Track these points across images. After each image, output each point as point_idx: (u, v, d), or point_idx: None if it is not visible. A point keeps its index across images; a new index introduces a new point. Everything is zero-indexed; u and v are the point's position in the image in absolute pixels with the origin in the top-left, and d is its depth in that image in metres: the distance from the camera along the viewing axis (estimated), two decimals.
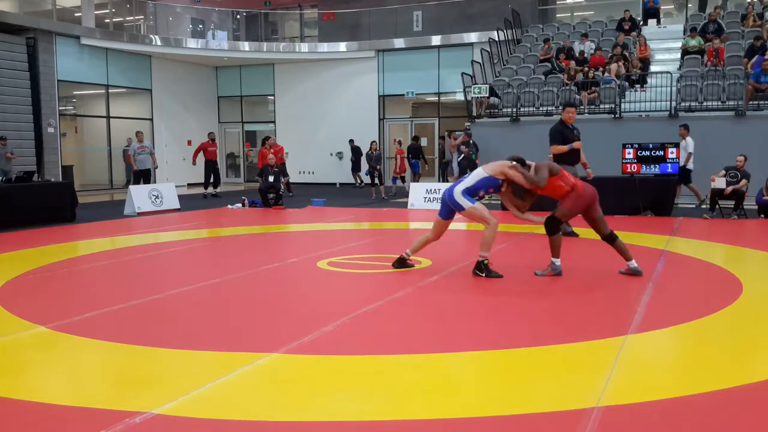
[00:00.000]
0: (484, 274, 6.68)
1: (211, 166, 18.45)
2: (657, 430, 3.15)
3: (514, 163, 6.74)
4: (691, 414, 3.34)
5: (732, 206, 11.93)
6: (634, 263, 6.80)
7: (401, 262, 7.14)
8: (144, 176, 16.55)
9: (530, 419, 3.26)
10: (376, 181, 18.35)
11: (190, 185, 23.65)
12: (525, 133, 16.83)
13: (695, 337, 4.76)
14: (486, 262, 6.72)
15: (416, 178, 19.31)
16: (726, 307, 5.47)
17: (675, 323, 4.97)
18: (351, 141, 21.90)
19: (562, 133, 9.49)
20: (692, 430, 3.18)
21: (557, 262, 6.82)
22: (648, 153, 12.79)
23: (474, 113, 17.94)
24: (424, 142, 20.87)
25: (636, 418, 3.26)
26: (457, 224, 10.40)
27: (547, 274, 6.82)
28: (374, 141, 20.03)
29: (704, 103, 15.84)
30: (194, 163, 18.82)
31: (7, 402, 3.54)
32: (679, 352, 4.61)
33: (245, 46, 24.38)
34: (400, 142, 19.39)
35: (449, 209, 6.84)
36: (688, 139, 13.55)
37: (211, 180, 18.42)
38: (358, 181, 22.05)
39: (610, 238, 6.83)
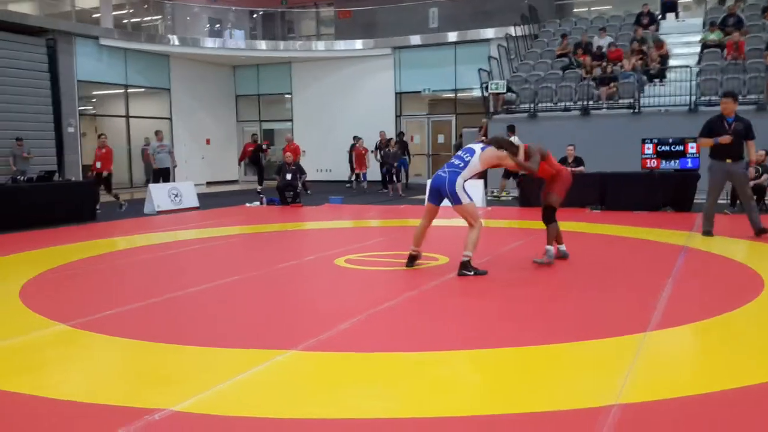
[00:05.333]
0: (471, 273, 6.63)
1: (256, 162, 19.52)
2: (677, 427, 3.12)
3: (505, 151, 6.87)
4: (711, 411, 3.31)
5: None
6: (551, 249, 7.24)
7: (412, 260, 7.09)
8: (163, 175, 16.68)
9: (549, 416, 3.25)
10: (393, 178, 18.42)
11: (209, 184, 23.80)
12: (542, 128, 16.72)
13: (716, 334, 4.71)
14: (470, 260, 6.69)
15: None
16: (747, 303, 5.41)
17: (695, 320, 4.93)
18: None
19: (710, 125, 9.07)
20: (712, 428, 3.15)
21: (551, 249, 7.18)
22: (668, 148, 12.67)
23: (491, 109, 17.87)
24: (417, 139, 21.02)
25: (656, 415, 3.23)
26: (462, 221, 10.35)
27: (545, 261, 7.08)
28: (391, 138, 20.05)
29: None
30: (239, 164, 20.23)
31: (29, 399, 3.58)
32: (699, 349, 4.57)
33: (262, 44, 24.46)
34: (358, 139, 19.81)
35: (441, 196, 6.80)
36: (514, 138, 14.15)
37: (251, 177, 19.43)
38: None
39: (546, 219, 7.27)
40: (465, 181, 6.71)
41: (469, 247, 6.69)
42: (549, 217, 7.19)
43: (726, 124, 8.91)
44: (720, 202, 13.09)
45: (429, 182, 7.06)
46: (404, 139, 20.50)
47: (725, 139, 8.79)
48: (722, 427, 3.16)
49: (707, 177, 9.23)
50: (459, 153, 6.96)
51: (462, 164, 6.74)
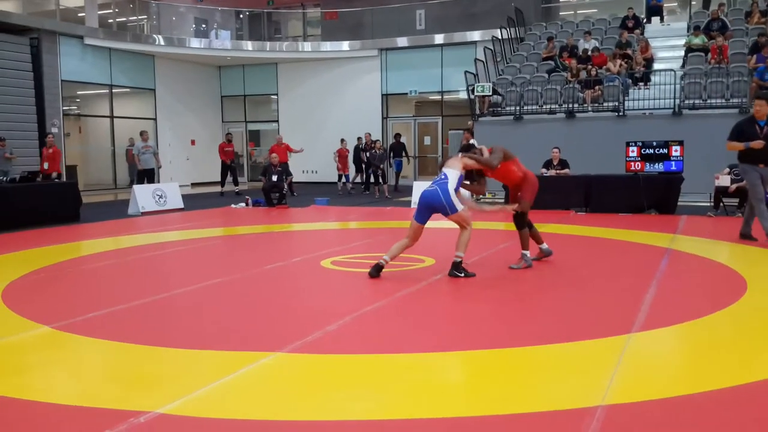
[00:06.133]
0: (462, 275, 6.66)
1: (226, 165, 18.99)
2: (661, 428, 3.15)
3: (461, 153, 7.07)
4: (696, 412, 3.34)
5: (736, 204, 11.90)
6: (527, 254, 7.26)
7: (378, 269, 6.76)
8: (148, 176, 16.61)
9: (535, 418, 3.26)
10: (380, 180, 18.46)
11: (194, 185, 23.70)
12: (528, 131, 16.82)
13: (699, 336, 4.75)
14: (461, 262, 6.71)
15: (397, 176, 20.38)
16: (730, 305, 5.46)
17: (679, 321, 4.97)
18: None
19: (741, 128, 8.53)
20: (696, 429, 3.17)
21: (528, 253, 7.23)
22: (652, 151, 12.77)
23: (477, 111, 17.92)
24: (403, 141, 21.11)
25: (640, 417, 3.26)
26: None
27: (522, 266, 7.12)
28: (378, 140, 20.06)
29: (708, 101, 15.79)
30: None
31: (12, 402, 3.55)
32: (683, 350, 4.60)
33: (248, 45, 24.39)
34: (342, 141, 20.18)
35: (430, 213, 6.74)
36: (472, 140, 15.63)
37: (229, 178, 18.97)
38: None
39: (518, 225, 7.32)
40: (455, 189, 6.69)
41: (461, 248, 6.73)
42: (520, 223, 7.26)
43: (758, 127, 8.44)
44: (703, 204, 13.26)
45: (417, 199, 6.95)
46: (401, 140, 20.54)
47: (758, 144, 8.33)
48: (707, 428, 3.19)
49: (744, 181, 8.81)
50: (437, 177, 6.92)
51: (445, 177, 6.74)
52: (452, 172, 6.75)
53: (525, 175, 7.27)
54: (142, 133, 17.44)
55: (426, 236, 9.66)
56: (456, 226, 6.86)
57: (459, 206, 6.64)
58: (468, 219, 6.76)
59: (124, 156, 22.54)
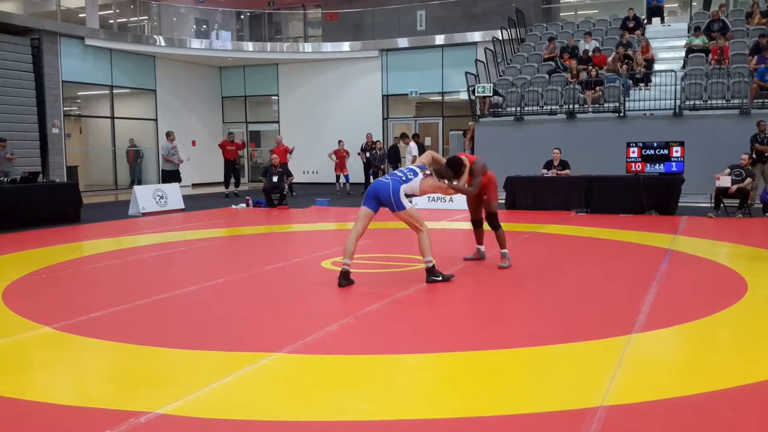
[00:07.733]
0: (440, 278, 6.47)
1: (229, 165, 18.80)
2: (662, 429, 3.14)
3: (446, 181, 6.84)
4: (696, 413, 3.34)
5: (737, 205, 11.90)
6: (506, 252, 7.41)
7: (346, 276, 6.47)
8: (174, 175, 16.71)
9: (535, 419, 3.26)
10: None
11: (194, 185, 23.70)
12: (528, 131, 16.82)
13: (700, 337, 4.75)
14: (434, 265, 6.51)
15: None
16: (731, 306, 5.45)
17: (680, 322, 4.97)
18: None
19: None
20: (697, 429, 3.17)
21: (506, 252, 7.38)
22: (652, 152, 12.78)
23: (478, 112, 17.92)
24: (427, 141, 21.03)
25: (641, 417, 3.25)
26: (456, 224, 10.40)
27: (509, 265, 7.23)
28: (378, 141, 20.06)
29: (709, 102, 15.79)
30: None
31: (13, 402, 3.55)
32: (683, 351, 4.60)
33: (249, 46, 24.39)
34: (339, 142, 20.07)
35: (377, 203, 6.52)
36: (411, 144, 17.42)
37: (232, 179, 18.85)
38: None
39: (493, 225, 7.40)
40: (405, 194, 6.46)
41: (426, 253, 6.50)
42: (495, 224, 7.36)
43: None
44: (704, 205, 13.25)
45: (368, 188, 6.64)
46: (419, 141, 20.34)
47: None
48: (707, 428, 3.19)
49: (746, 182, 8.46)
50: (403, 169, 6.71)
51: (405, 178, 6.52)
52: (415, 184, 6.52)
53: (488, 179, 7.30)
54: (168, 134, 17.48)
55: None
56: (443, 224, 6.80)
57: (406, 204, 6.42)
58: (419, 220, 6.51)
59: (125, 157, 22.54)
